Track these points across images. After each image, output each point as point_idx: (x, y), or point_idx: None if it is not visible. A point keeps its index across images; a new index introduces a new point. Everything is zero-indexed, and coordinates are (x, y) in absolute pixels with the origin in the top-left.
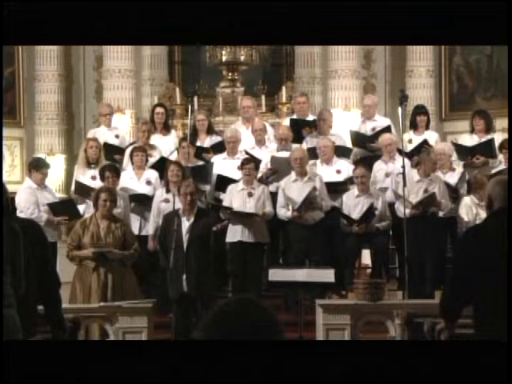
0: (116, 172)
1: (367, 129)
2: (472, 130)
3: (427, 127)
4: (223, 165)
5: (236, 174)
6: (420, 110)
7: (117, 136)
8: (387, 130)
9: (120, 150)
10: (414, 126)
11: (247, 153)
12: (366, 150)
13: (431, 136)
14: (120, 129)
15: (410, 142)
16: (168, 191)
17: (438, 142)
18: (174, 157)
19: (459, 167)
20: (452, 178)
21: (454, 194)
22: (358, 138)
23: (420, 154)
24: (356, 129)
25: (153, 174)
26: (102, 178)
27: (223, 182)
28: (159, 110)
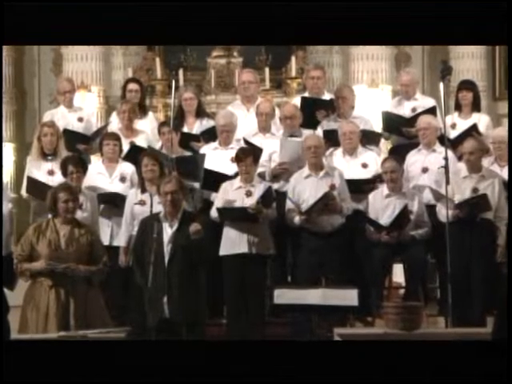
0: (82, 166)
1: (405, 111)
2: None
3: (476, 108)
4: (214, 156)
5: (229, 168)
6: (463, 85)
7: (80, 119)
8: (431, 112)
9: (85, 138)
10: (458, 107)
11: (247, 142)
12: (403, 136)
13: (481, 120)
14: (84, 110)
15: (453, 127)
16: (144, 191)
17: (490, 127)
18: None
19: None
20: None
21: None
22: (393, 121)
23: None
24: (391, 110)
25: (128, 168)
26: (64, 174)
27: (212, 179)
28: (133, 86)
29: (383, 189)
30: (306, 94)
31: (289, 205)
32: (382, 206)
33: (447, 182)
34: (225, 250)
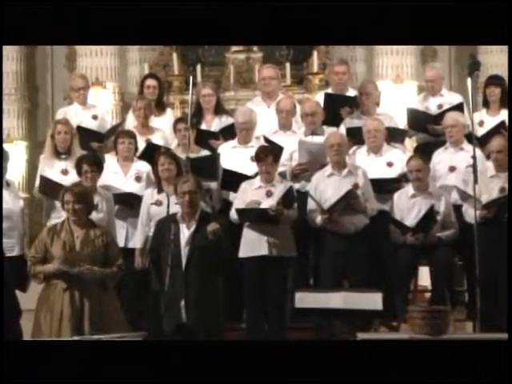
0: (97, 165)
1: (431, 107)
2: None
3: (504, 105)
4: (233, 155)
5: (248, 167)
6: (491, 80)
7: (94, 117)
8: (458, 108)
9: (99, 136)
10: (486, 103)
11: (267, 140)
12: (429, 133)
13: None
14: (99, 107)
15: (480, 124)
16: (160, 191)
17: None
18: (175, 145)
19: None
20: None
21: None
22: (419, 118)
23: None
24: (416, 106)
25: (144, 167)
26: (79, 173)
27: (231, 179)
28: (150, 82)
29: (409, 188)
30: (330, 90)
31: (311, 205)
32: (407, 207)
33: (475, 182)
34: (244, 252)
